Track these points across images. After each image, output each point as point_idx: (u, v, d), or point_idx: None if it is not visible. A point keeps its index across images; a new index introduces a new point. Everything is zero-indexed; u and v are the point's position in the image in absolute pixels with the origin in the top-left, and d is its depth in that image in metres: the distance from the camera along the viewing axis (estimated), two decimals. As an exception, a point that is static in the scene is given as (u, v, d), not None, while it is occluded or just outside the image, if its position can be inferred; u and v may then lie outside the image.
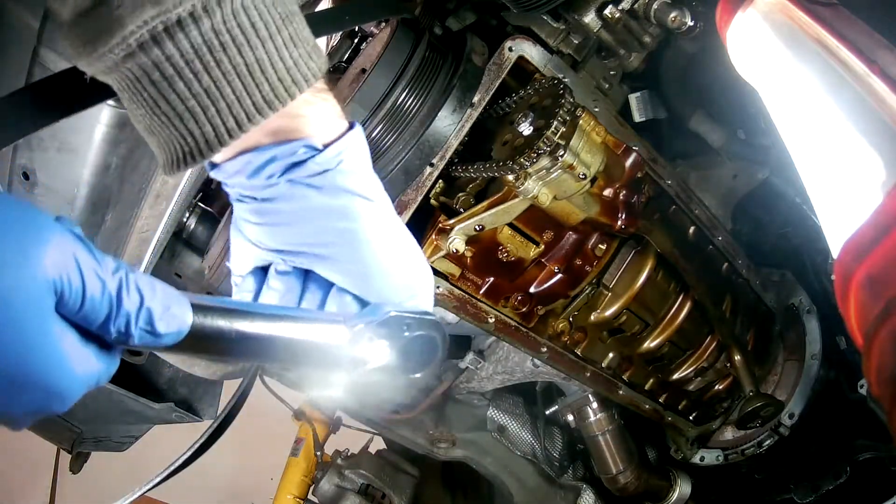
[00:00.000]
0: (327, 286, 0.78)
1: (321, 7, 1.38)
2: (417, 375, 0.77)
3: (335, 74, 1.66)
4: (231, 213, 0.86)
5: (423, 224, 1.32)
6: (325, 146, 0.72)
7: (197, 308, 0.58)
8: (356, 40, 1.80)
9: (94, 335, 0.53)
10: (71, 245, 0.50)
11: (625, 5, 1.34)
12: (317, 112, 0.72)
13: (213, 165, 0.74)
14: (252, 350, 0.63)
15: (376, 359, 0.72)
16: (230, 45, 0.62)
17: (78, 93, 0.74)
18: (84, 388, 0.54)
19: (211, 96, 0.63)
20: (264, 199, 0.74)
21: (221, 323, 0.60)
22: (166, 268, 1.54)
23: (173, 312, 0.56)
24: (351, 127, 0.76)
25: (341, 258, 0.75)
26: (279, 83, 0.66)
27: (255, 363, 0.66)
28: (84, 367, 0.53)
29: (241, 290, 0.80)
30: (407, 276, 0.79)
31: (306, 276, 0.78)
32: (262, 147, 0.71)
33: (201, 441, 1.31)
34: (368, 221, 0.75)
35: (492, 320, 1.41)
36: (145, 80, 0.62)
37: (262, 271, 0.80)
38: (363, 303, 0.77)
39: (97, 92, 0.70)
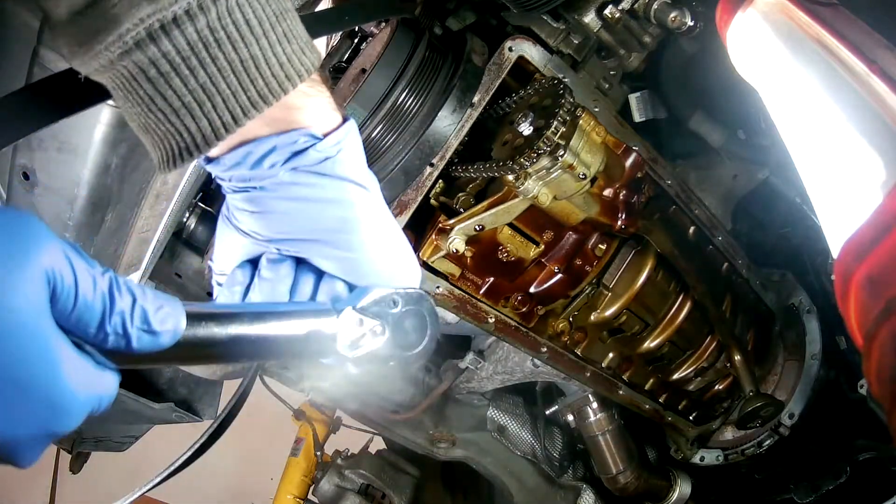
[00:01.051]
0: (318, 273, 0.79)
1: (321, 7, 1.38)
2: (415, 352, 0.76)
3: (336, 74, 1.66)
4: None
5: (423, 224, 1.32)
6: (325, 135, 0.74)
7: (188, 314, 0.59)
8: (356, 40, 1.80)
9: (91, 344, 0.54)
10: (61, 246, 0.51)
11: (625, 5, 1.34)
12: (314, 103, 0.74)
13: (209, 160, 0.75)
14: (245, 351, 0.63)
15: (370, 341, 0.73)
16: (225, 41, 0.63)
17: (77, 93, 0.74)
18: (87, 406, 0.54)
19: (207, 91, 0.64)
20: (263, 189, 0.74)
21: (214, 328, 0.60)
22: (166, 268, 1.54)
23: (167, 311, 0.57)
24: (346, 119, 0.78)
25: (336, 246, 0.77)
26: (273, 78, 0.67)
27: (249, 363, 0.68)
28: (82, 377, 0.53)
29: (233, 283, 0.80)
30: (395, 262, 0.81)
31: (297, 264, 0.79)
32: (263, 137, 0.72)
33: (201, 441, 1.30)
34: (363, 210, 0.76)
35: (492, 320, 1.41)
36: (141, 77, 0.63)
37: (251, 264, 0.81)
38: (353, 288, 0.79)
39: (95, 93, 0.70)
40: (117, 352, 0.55)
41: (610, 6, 1.33)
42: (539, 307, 1.48)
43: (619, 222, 1.40)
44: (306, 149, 0.73)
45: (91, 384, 0.54)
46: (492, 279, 1.40)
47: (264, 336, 0.64)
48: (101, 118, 1.04)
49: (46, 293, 0.50)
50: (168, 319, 0.56)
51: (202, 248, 1.59)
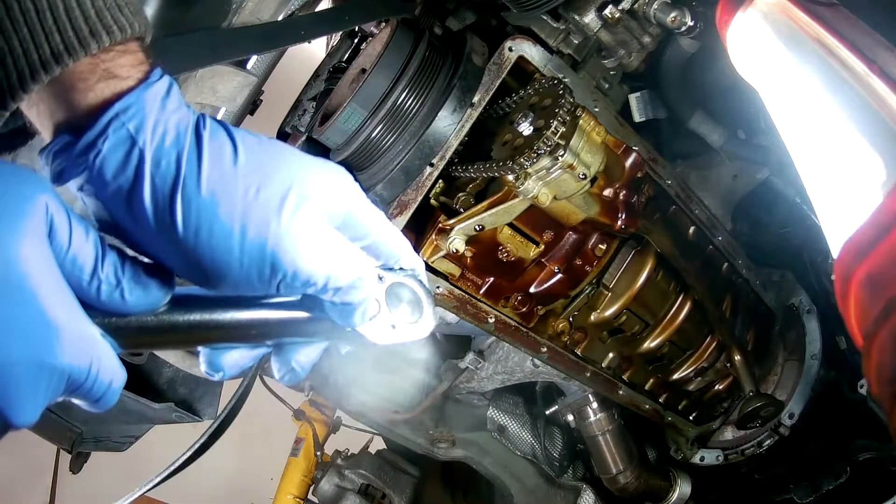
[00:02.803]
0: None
1: (321, 7, 1.38)
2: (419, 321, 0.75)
3: (336, 74, 1.66)
4: None
5: (423, 224, 1.32)
6: (89, 121, 0.55)
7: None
8: (356, 40, 1.80)
9: (89, 301, 0.54)
10: (56, 195, 0.52)
11: (625, 5, 1.34)
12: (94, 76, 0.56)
13: None
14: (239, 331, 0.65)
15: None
16: None
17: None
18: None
19: None
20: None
21: (195, 313, 0.61)
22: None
23: (155, 268, 0.57)
24: (150, 78, 0.58)
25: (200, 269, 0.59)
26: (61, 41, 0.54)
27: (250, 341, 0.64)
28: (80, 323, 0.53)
29: None
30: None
31: None
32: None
33: (201, 441, 1.31)
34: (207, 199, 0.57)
35: (492, 320, 1.41)
36: None
37: None
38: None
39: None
40: (117, 316, 0.56)
41: (610, 6, 1.33)
42: (539, 307, 1.48)
43: (619, 222, 1.39)
44: (74, 154, 0.56)
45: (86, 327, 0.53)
46: (492, 279, 1.40)
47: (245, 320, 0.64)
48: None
49: (45, 229, 0.50)
50: (155, 273, 0.56)
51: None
